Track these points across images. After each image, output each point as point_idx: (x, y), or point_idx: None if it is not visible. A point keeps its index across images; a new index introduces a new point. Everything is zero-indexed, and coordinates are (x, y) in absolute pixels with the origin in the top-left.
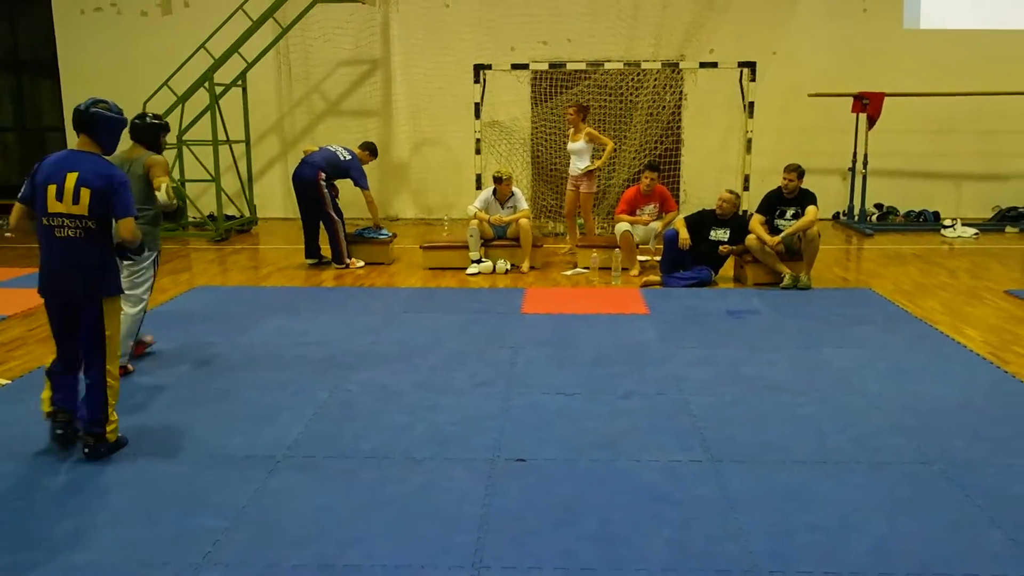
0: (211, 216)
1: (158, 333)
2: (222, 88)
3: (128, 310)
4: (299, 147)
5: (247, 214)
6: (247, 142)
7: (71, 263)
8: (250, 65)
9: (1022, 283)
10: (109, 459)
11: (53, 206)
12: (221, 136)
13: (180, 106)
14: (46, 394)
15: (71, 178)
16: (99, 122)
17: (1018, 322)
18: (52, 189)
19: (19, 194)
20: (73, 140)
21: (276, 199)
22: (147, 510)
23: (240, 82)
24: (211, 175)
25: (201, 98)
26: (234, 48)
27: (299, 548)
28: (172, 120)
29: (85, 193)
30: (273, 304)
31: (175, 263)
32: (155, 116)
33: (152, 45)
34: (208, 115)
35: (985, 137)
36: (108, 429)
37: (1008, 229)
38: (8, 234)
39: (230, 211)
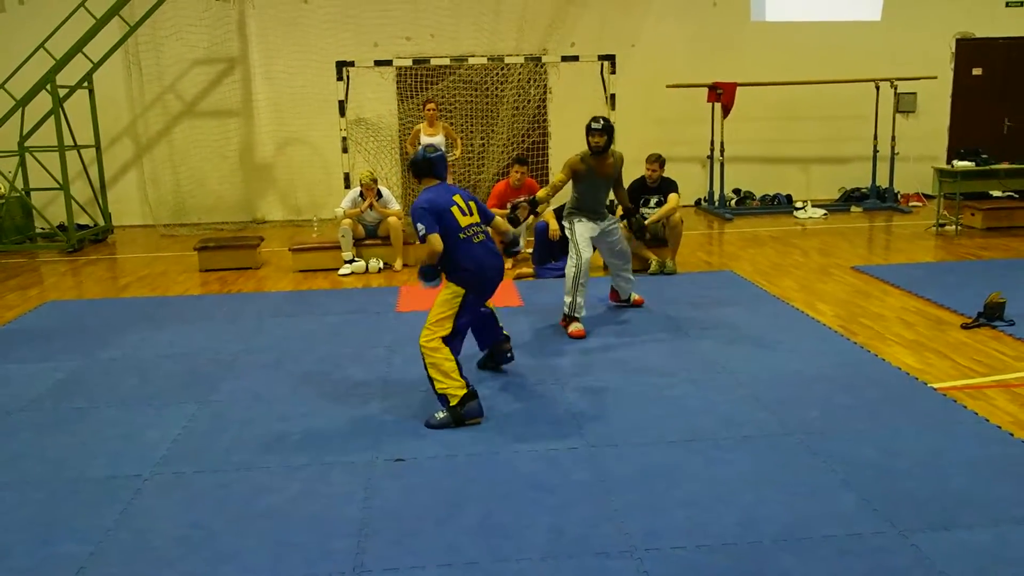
0: (61, 226)
1: (5, 354)
2: (66, 90)
3: None
4: (155, 150)
5: (101, 222)
6: (97, 147)
7: (491, 254)
8: (96, 65)
9: (867, 259)
10: None
11: (464, 221)
12: (68, 141)
13: (20, 110)
14: (461, 390)
15: (458, 198)
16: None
17: (864, 296)
18: (455, 210)
19: (424, 232)
20: None
21: (133, 205)
22: None
23: (86, 83)
24: (59, 183)
25: (43, 101)
26: (78, 48)
27: (170, 568)
28: (12, 125)
29: (472, 205)
30: (134, 316)
31: (23, 278)
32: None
33: None
34: (52, 119)
35: (827, 123)
36: None
37: (853, 209)
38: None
39: (83, 220)
